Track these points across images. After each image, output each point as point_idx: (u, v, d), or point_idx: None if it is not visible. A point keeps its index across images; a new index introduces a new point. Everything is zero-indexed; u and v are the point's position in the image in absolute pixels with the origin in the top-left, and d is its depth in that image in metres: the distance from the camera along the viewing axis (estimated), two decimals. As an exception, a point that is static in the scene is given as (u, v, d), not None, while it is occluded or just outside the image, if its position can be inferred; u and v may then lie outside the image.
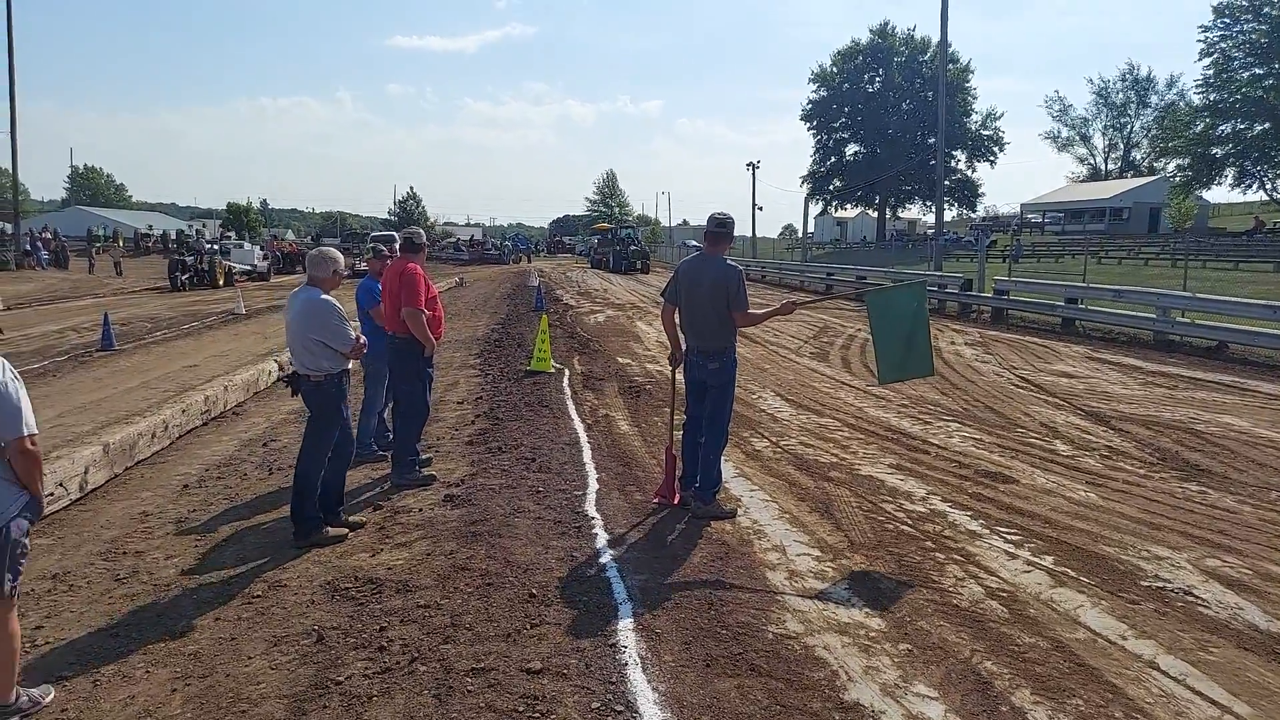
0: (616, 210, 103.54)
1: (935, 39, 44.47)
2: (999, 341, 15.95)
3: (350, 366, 5.34)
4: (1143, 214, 58.45)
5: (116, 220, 74.28)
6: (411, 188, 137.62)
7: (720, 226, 5.55)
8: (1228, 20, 50.98)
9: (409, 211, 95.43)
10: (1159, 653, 3.85)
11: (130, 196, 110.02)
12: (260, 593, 4.42)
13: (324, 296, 5.14)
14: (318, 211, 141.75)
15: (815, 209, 76.02)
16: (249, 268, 33.91)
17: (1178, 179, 58.54)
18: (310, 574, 4.66)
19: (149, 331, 16.63)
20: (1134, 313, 16.48)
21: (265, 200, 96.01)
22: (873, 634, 3.96)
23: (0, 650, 3.22)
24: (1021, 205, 72.91)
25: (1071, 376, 11.88)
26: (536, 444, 7.40)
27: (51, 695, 3.42)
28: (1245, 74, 50.64)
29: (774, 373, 12.11)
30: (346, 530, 5.26)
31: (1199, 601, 4.42)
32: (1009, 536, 5.36)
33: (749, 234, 55.60)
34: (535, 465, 6.69)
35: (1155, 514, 5.85)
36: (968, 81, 66.42)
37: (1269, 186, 53.55)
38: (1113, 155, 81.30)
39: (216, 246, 32.68)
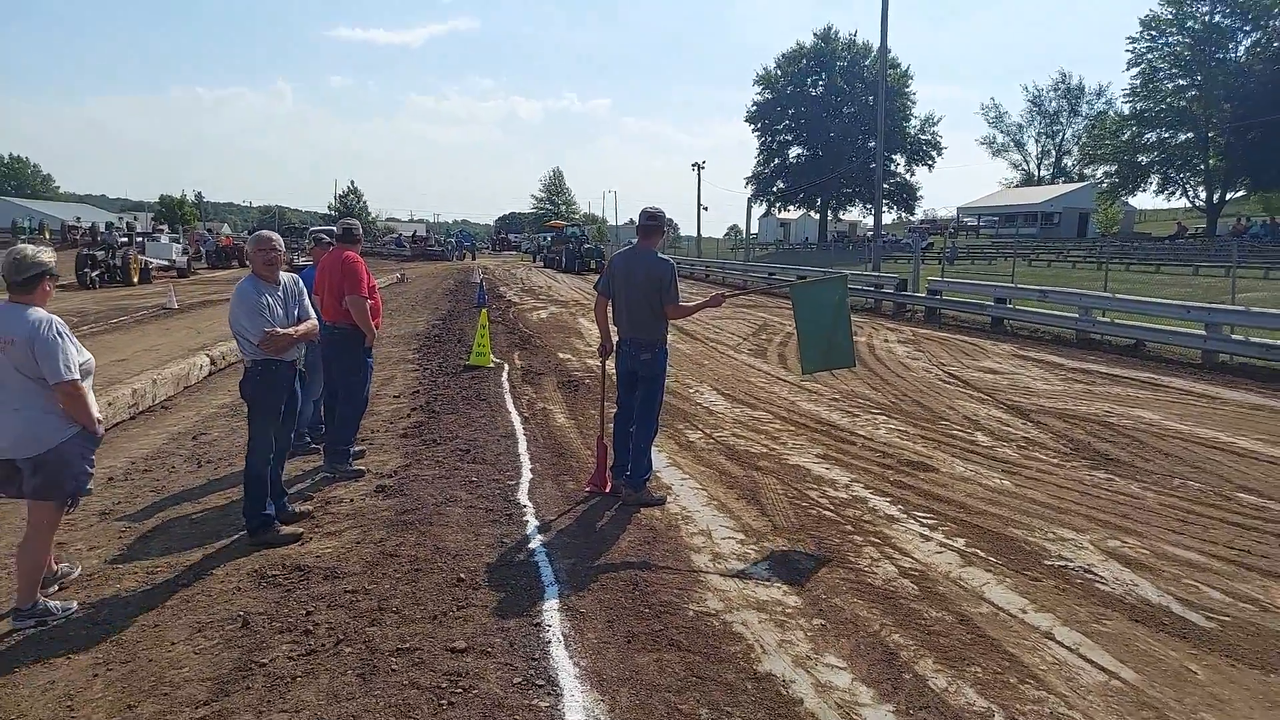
0: (563, 208, 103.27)
1: (877, 44, 45.44)
2: (930, 339, 16.43)
3: (291, 358, 5.08)
4: (1072, 219, 60.53)
5: (43, 212, 71.54)
6: (352, 182, 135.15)
7: (651, 220, 5.69)
8: (1154, 33, 53.11)
9: (349, 206, 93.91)
10: (1056, 625, 4.09)
11: (58, 188, 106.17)
12: (186, 581, 4.41)
13: (246, 285, 4.90)
14: (255, 205, 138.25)
15: (759, 210, 77.05)
16: (167, 263, 31.49)
17: (1105, 185, 60.79)
18: (237, 563, 4.65)
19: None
20: (1059, 313, 17.11)
21: (200, 193, 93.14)
22: (789, 610, 4.13)
23: (34, 556, 3.98)
24: (958, 209, 74.87)
25: (997, 373, 12.32)
26: (472, 436, 7.45)
27: (74, 608, 4.08)
28: (1169, 85, 52.81)
29: (712, 368, 12.31)
30: (300, 530, 5.08)
31: (1097, 579, 4.70)
32: (925, 520, 5.60)
33: (694, 234, 56.06)
34: (470, 457, 6.74)
35: (1064, 499, 6.16)
36: (907, 87, 68.00)
37: (1190, 194, 55.92)
38: (1045, 161, 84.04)
39: (129, 240, 29.45)
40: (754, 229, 76.35)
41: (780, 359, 13.44)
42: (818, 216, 74.92)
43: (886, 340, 16.16)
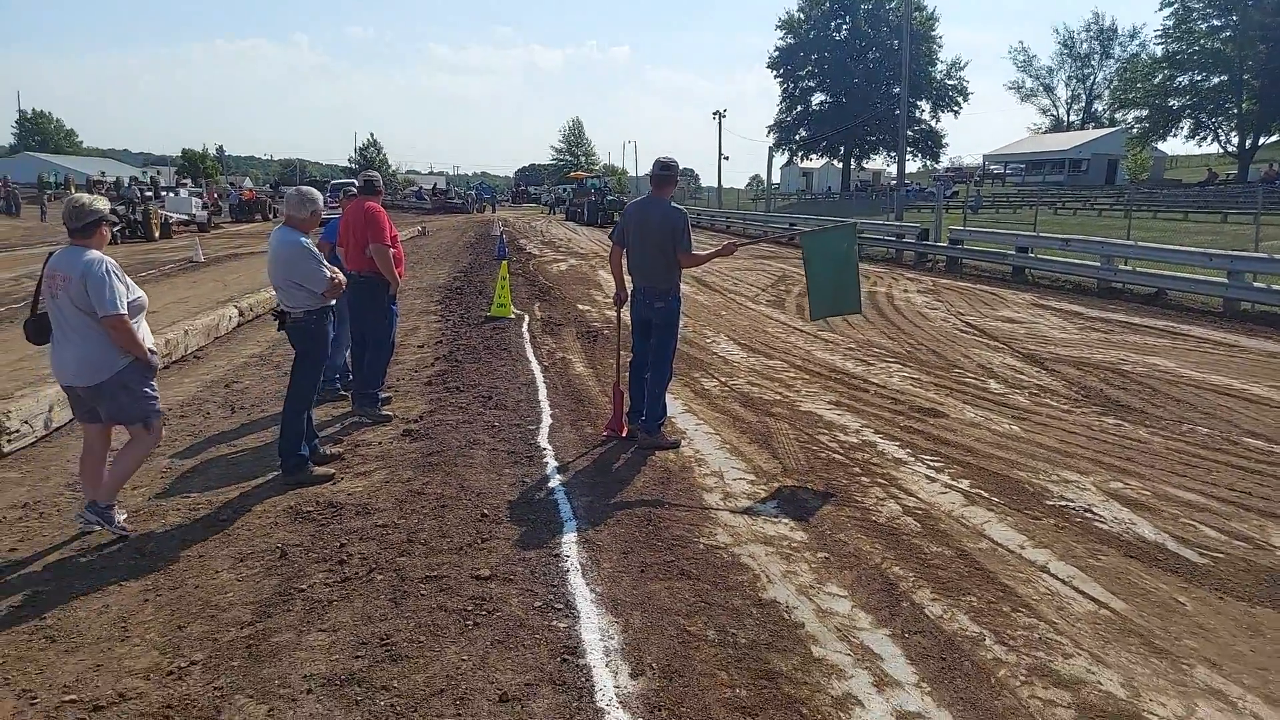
0: (583, 160, 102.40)
1: (901, -14, 44.38)
2: (950, 289, 16.42)
3: (333, 304, 5.38)
4: (1101, 165, 59.30)
5: (68, 167, 72.08)
6: (371, 134, 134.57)
7: (665, 169, 5.80)
8: (1189, -30, 51.34)
9: (369, 159, 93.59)
10: (1051, 559, 4.27)
11: (81, 142, 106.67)
12: (226, 517, 4.68)
13: (300, 240, 5.13)
14: (276, 159, 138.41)
15: (781, 159, 76.06)
16: (187, 217, 31.60)
17: (1135, 130, 59.35)
18: (274, 500, 4.92)
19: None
20: (1081, 261, 17.00)
21: (221, 147, 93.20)
22: (795, 545, 4.33)
23: (124, 466, 4.51)
24: (984, 156, 73.54)
25: (1015, 322, 12.36)
26: (494, 384, 7.67)
27: (130, 530, 4.49)
28: (1203, 25, 51.17)
29: (730, 319, 12.44)
30: (332, 470, 5.33)
31: (1096, 518, 4.86)
32: (931, 463, 5.76)
33: (715, 184, 55.54)
34: (492, 403, 6.97)
35: (1070, 444, 6.30)
36: (933, 30, 66.27)
37: (1223, 139, 54.52)
38: (1075, 106, 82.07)
39: (151, 194, 29.95)
40: (776, 179, 75.57)
41: (799, 309, 13.52)
42: (840, 165, 73.87)
43: (905, 290, 16.17)
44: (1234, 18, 48.75)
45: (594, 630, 3.37)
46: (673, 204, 5.79)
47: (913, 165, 72.73)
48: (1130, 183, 54.62)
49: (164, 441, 6.18)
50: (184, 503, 4.92)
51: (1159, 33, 54.61)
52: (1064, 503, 5.07)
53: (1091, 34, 78.24)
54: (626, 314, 6.29)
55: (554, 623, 3.42)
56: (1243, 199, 34.95)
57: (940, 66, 67.57)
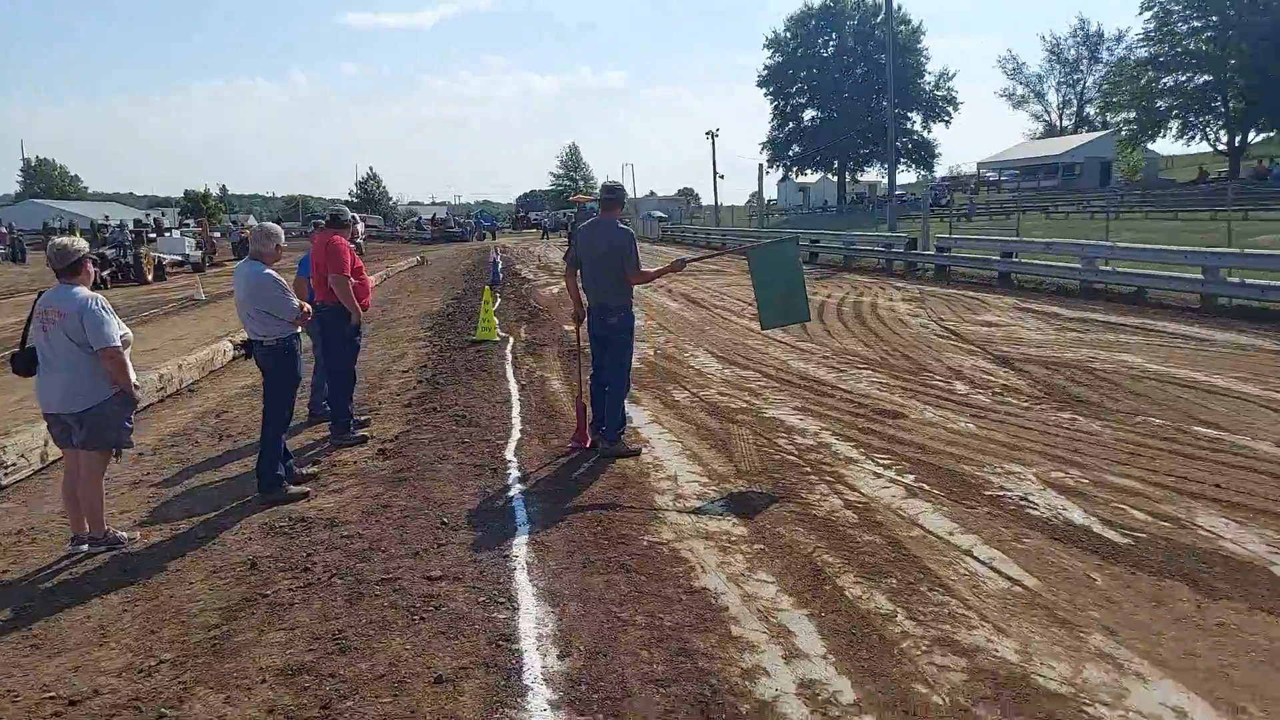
0: (581, 184, 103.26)
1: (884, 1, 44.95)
2: (935, 296, 16.68)
3: (299, 331, 5.76)
4: (1094, 168, 59.49)
5: (73, 212, 73.09)
6: (371, 168, 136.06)
7: (610, 193, 6.18)
8: (1164, -27, 51.80)
9: (369, 192, 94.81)
10: (977, 544, 4.52)
11: (86, 188, 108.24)
12: (204, 535, 4.98)
13: (266, 271, 5.55)
14: (279, 195, 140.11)
15: (776, 175, 76.57)
16: (180, 257, 30.69)
17: (1124, 133, 59.69)
18: (250, 519, 5.22)
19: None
20: (1063, 264, 17.25)
21: (224, 186, 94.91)
22: (734, 539, 4.60)
23: (91, 494, 4.78)
24: (978, 164, 73.90)
25: (993, 325, 12.61)
26: (470, 403, 7.98)
27: (138, 537, 4.95)
28: (1184, 26, 51.59)
29: (712, 333, 12.73)
30: (307, 489, 5.65)
31: (1030, 505, 5.10)
32: (881, 461, 6.02)
33: (712, 202, 56.00)
34: (465, 421, 7.27)
35: (1021, 439, 6.54)
36: (919, 43, 66.91)
37: (1211, 137, 54.78)
38: (1067, 111, 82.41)
39: (137, 236, 29.07)
40: (772, 194, 76.03)
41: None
42: (836, 179, 74.37)
43: (890, 299, 16.44)
44: (1213, 18, 49.18)
45: (530, 619, 3.65)
46: (620, 224, 6.12)
47: (909, 176, 73.25)
48: (1125, 184, 54.85)
49: (153, 470, 6.52)
50: (167, 524, 5.22)
51: (1140, 36, 55.12)
52: (1002, 492, 5.32)
53: (1078, 39, 78.81)
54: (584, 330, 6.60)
55: (495, 615, 3.70)
56: (1232, 196, 35.17)
57: (929, 78, 68.18)
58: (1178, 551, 4.38)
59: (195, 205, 75.40)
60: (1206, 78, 51.34)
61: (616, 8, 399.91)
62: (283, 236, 5.76)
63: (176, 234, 35.24)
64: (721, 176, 58.23)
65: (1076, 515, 4.93)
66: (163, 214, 63.10)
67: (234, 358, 11.77)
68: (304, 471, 5.93)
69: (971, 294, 16.87)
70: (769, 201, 67.86)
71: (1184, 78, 52.51)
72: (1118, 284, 15.57)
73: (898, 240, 24.18)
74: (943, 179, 72.16)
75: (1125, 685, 3.16)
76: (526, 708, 3.00)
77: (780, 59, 70.49)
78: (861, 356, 10.37)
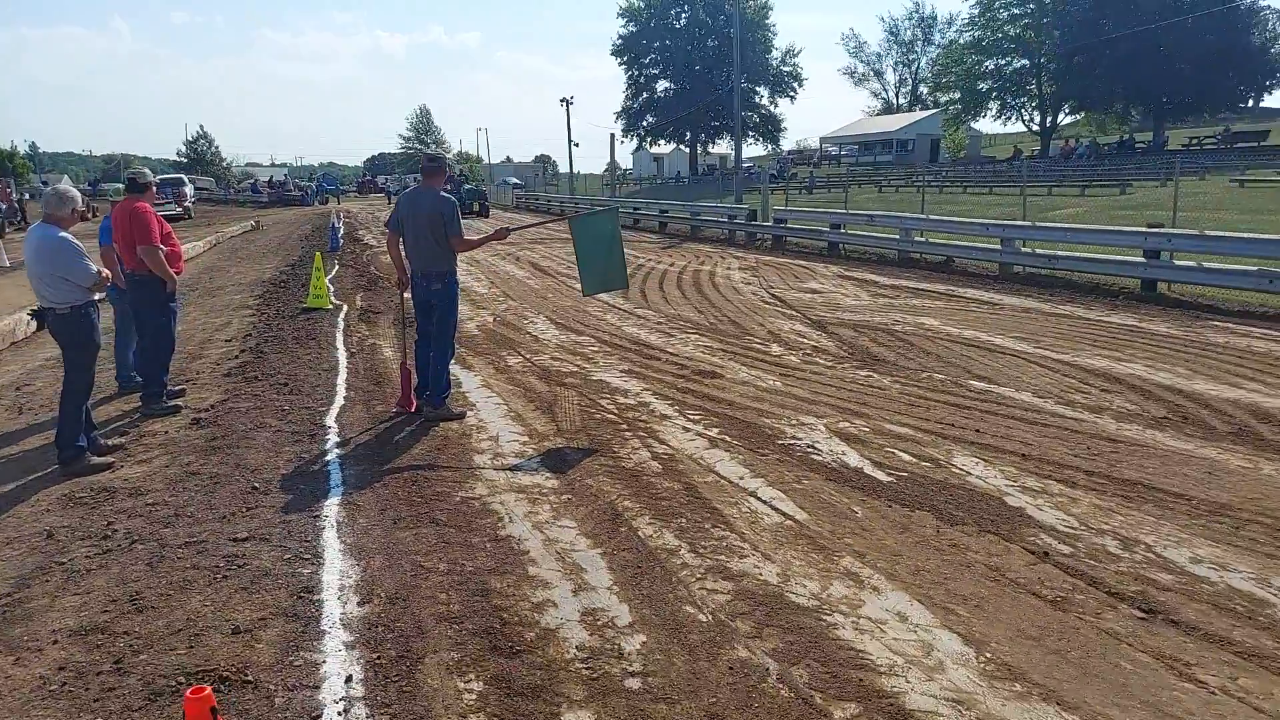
0: (433, 147, 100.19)
1: (734, -26, 46.00)
2: (769, 265, 17.53)
3: (97, 298, 5.56)
4: (925, 145, 63.56)
5: None
6: (201, 126, 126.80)
7: (432, 162, 6.27)
8: (988, -36, 55.76)
9: (200, 152, 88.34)
10: (762, 486, 5.01)
11: None
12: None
13: (62, 234, 5.29)
14: (98, 154, 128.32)
15: (630, 145, 77.17)
16: None
17: (949, 112, 64.10)
18: (49, 490, 5.05)
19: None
20: (883, 235, 18.53)
21: (34, 144, 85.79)
22: (544, 491, 4.90)
23: None
24: (820, 139, 77.18)
25: (816, 292, 13.46)
26: (294, 371, 7.88)
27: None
28: (1005, 13, 55.80)
29: (554, 300, 12.95)
30: (111, 460, 5.48)
31: (815, 451, 5.66)
32: (692, 417, 6.47)
33: (567, 170, 55.93)
34: (288, 390, 7.20)
35: (819, 394, 7.16)
36: (767, 18, 68.88)
37: (1026, 118, 59.65)
38: (903, 90, 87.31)
39: None
40: (628, 164, 76.62)
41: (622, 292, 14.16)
42: (688, 150, 75.75)
43: (729, 268, 17.14)
44: (1030, 6, 53.41)
45: (334, 572, 3.81)
46: (441, 193, 6.23)
47: (757, 149, 75.49)
48: (951, 161, 58.88)
49: (-64, 446, 6.11)
50: (-47, 500, 4.97)
51: (965, 21, 59.19)
52: (793, 441, 5.86)
53: (914, 22, 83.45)
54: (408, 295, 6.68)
55: (299, 570, 3.83)
56: (1041, 173, 38.56)
57: (776, 54, 70.35)
58: (931, 486, 5.02)
59: (1, 164, 67.93)
60: (1023, 62, 55.77)
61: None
62: (80, 200, 5.52)
63: None
64: (577, 145, 58.21)
65: (852, 459, 5.52)
66: (-45, 173, 56.54)
67: (38, 329, 10.98)
68: (109, 443, 5.75)
69: (803, 263, 17.84)
70: (624, 171, 68.37)
71: (1004, 61, 56.82)
72: (930, 254, 16.92)
73: (739, 212, 25.13)
74: (789, 152, 74.94)
75: (862, 597, 3.68)
76: (321, 649, 3.18)
77: (634, 29, 70.79)
78: (692, 322, 10.88)
